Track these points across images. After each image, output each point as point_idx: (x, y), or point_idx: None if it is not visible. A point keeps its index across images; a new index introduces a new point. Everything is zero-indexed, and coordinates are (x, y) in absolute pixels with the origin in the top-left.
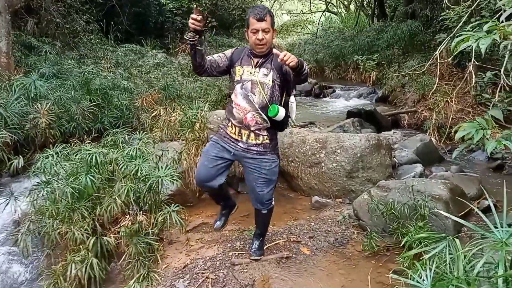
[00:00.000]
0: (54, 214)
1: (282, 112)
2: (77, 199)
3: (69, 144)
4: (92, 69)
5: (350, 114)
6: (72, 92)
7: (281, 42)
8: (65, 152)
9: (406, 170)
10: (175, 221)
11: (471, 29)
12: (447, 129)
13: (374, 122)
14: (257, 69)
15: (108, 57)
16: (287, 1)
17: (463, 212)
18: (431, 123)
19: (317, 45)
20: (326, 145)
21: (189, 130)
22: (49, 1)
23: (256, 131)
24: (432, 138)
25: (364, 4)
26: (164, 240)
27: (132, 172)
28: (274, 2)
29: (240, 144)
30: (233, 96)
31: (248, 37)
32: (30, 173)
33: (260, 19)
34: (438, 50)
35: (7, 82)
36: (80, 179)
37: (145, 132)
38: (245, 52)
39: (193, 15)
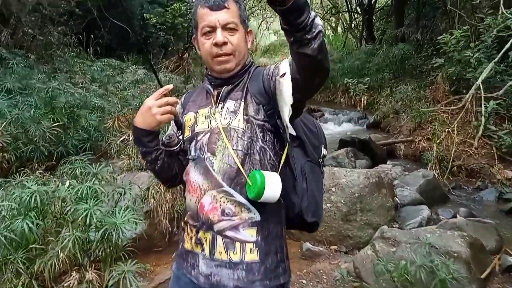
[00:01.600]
0: None
1: (275, 185)
2: (13, 249)
3: (16, 174)
4: (58, 84)
5: (342, 143)
6: (32, 111)
7: (268, 61)
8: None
9: (410, 212)
10: (131, 285)
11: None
12: (450, 163)
13: (368, 152)
14: (220, 106)
15: (83, 71)
16: (275, 21)
17: (486, 273)
18: (432, 155)
19: None
20: None
21: None
22: (23, 10)
23: (228, 233)
24: (434, 173)
25: (352, 26)
26: None
27: (81, 217)
28: (262, 22)
29: (201, 265)
30: (187, 169)
31: (199, 47)
32: None
33: (217, 7)
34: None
35: None
36: (15, 225)
37: (102, 165)
38: (201, 87)
39: (167, 100)
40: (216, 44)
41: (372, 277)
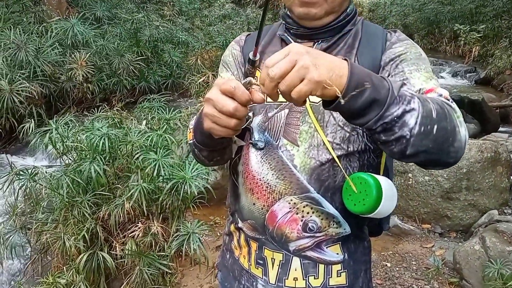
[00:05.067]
0: (54, 206)
1: (392, 196)
2: (81, 191)
3: (94, 109)
4: (143, 16)
5: None
6: (117, 42)
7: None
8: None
9: None
10: (195, 250)
11: None
12: None
13: (478, 115)
14: None
15: (172, 3)
16: None
17: None
18: None
19: (406, 6)
20: None
21: None
22: None
23: (309, 253)
24: None
25: None
26: (185, 258)
27: (149, 167)
28: None
29: None
30: (242, 159)
31: None
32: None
33: None
34: None
35: (45, 25)
36: (83, 168)
37: (175, 110)
38: (273, 31)
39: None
40: None
41: (477, 278)
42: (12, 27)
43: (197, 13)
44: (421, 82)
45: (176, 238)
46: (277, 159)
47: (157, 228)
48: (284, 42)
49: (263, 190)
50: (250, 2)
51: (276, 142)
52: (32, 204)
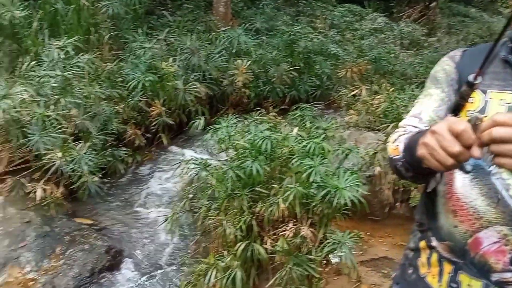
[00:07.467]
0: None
1: None
2: (242, 186)
3: (252, 113)
4: (300, 28)
5: None
6: (274, 52)
7: None
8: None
9: None
10: (345, 260)
11: None
12: None
13: None
14: None
15: (324, 16)
16: None
17: None
18: None
19: None
20: None
21: (394, 123)
22: None
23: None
24: None
25: None
26: (331, 265)
27: (305, 173)
28: None
29: None
30: (444, 179)
31: None
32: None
33: None
34: None
35: (215, 33)
36: (246, 165)
37: (331, 121)
38: (495, 53)
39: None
40: None
41: None
42: (186, 34)
43: (348, 26)
44: None
45: (327, 245)
46: (490, 185)
47: (307, 231)
48: (509, 64)
49: (468, 215)
50: (403, 15)
51: (488, 168)
52: (198, 191)
